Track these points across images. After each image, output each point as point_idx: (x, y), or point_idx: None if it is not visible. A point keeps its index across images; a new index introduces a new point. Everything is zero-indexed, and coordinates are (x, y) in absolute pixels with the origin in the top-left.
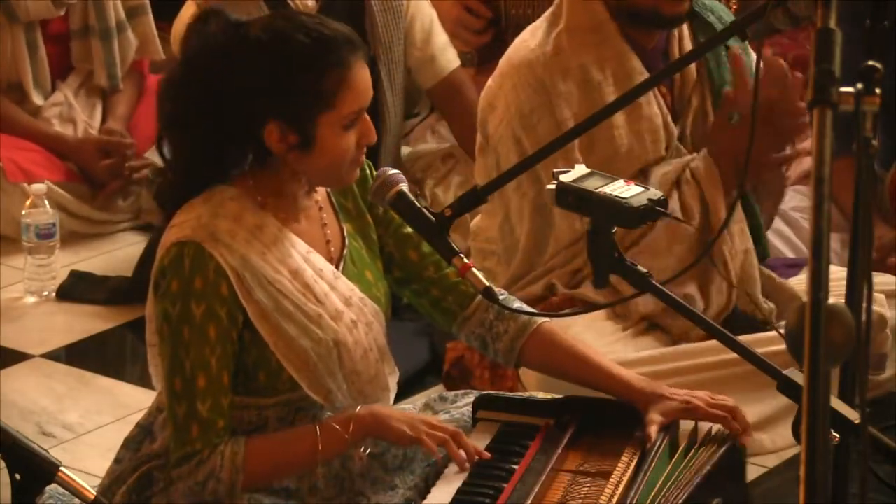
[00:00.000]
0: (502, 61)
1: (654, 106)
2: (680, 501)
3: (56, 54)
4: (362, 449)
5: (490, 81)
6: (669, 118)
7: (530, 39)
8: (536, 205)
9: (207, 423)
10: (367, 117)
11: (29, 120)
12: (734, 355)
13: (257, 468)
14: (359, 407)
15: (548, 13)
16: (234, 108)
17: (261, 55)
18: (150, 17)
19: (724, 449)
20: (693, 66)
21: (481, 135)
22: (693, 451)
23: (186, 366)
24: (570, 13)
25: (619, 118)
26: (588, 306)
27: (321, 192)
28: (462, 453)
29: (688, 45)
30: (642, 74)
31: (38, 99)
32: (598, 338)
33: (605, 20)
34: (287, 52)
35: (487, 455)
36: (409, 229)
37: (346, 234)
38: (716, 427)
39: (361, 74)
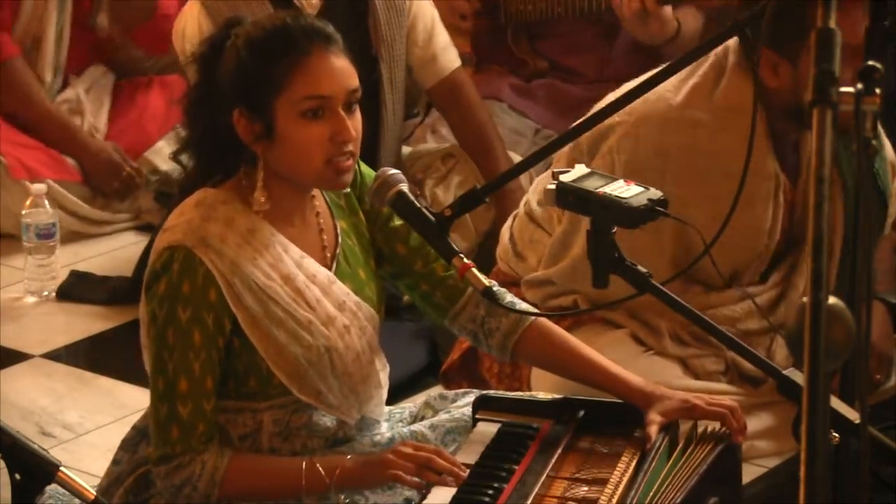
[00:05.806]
0: (640, 102)
1: (769, 209)
2: (678, 501)
3: (79, 41)
4: (342, 497)
5: (618, 117)
6: (779, 226)
7: (674, 93)
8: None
9: (188, 427)
10: (343, 115)
11: (45, 102)
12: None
13: (235, 488)
14: (349, 456)
15: (706, 68)
16: (213, 100)
17: (231, 49)
18: None
19: (720, 448)
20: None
21: (586, 145)
22: (690, 450)
23: (169, 368)
24: (727, 88)
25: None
26: (588, 307)
27: (319, 198)
28: (442, 474)
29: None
30: (778, 178)
31: (48, 72)
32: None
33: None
34: (247, 41)
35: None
36: (397, 223)
37: (339, 231)
38: (711, 426)
39: (321, 62)
